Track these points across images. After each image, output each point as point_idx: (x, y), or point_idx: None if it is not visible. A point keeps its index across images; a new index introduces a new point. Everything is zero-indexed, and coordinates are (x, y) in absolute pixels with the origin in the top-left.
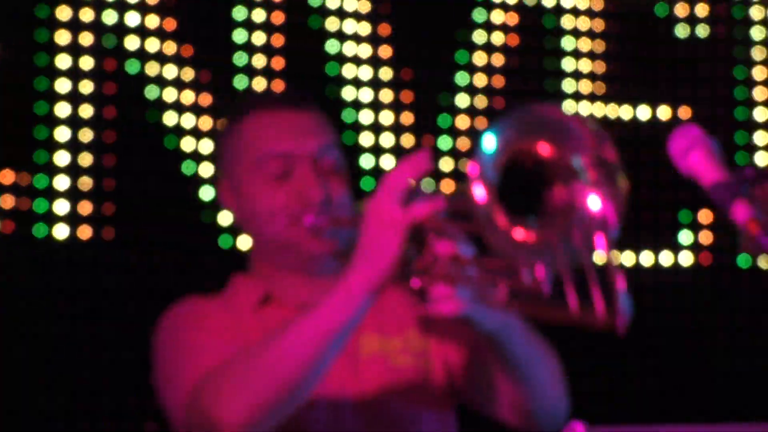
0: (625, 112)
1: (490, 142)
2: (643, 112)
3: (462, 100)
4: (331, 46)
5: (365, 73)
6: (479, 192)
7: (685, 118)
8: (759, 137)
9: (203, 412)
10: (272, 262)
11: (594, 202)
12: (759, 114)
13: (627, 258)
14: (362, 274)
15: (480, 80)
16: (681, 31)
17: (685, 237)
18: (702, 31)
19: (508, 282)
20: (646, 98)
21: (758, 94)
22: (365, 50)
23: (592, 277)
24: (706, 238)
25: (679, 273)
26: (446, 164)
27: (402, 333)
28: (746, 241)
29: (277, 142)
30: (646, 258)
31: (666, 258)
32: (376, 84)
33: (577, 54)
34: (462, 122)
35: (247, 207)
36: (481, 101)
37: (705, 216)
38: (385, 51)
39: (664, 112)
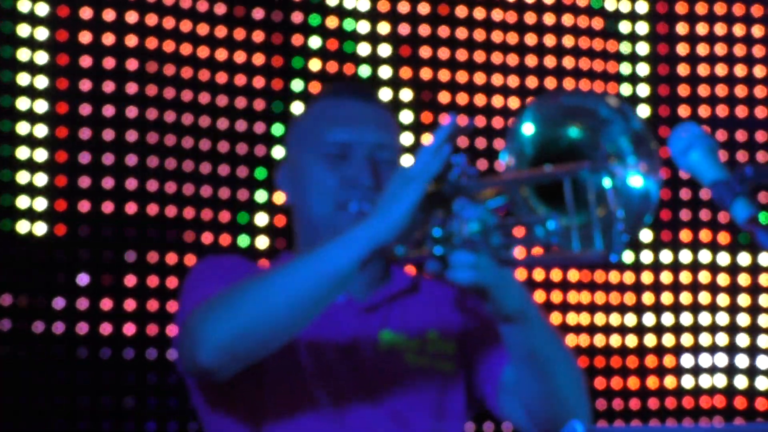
0: None
1: (528, 129)
2: None
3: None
4: None
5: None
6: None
7: None
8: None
9: (190, 331)
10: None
11: (636, 181)
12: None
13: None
14: (370, 224)
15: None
16: None
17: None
18: None
19: (522, 239)
20: None
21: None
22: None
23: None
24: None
25: None
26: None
27: (422, 335)
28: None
29: (337, 129)
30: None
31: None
32: None
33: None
34: None
35: (299, 187)
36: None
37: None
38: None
39: None
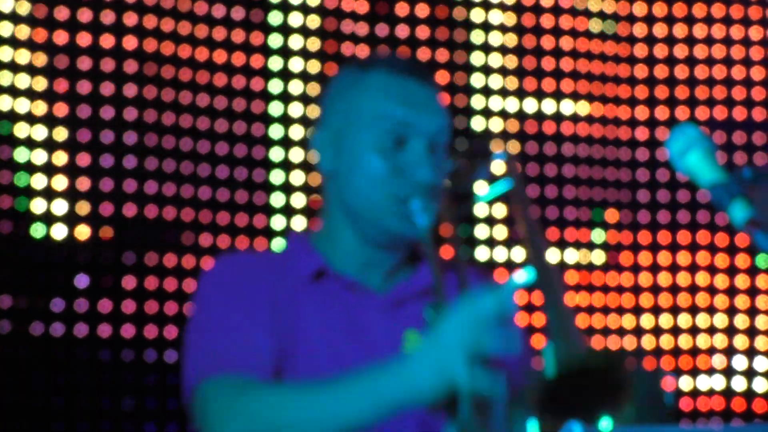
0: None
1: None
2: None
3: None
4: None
5: None
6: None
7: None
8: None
9: (205, 424)
10: (346, 226)
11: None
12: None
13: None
14: (403, 388)
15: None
16: None
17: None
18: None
19: None
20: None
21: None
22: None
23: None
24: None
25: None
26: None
27: None
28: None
29: (400, 107)
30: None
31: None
32: None
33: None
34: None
35: (343, 160)
36: None
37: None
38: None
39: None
